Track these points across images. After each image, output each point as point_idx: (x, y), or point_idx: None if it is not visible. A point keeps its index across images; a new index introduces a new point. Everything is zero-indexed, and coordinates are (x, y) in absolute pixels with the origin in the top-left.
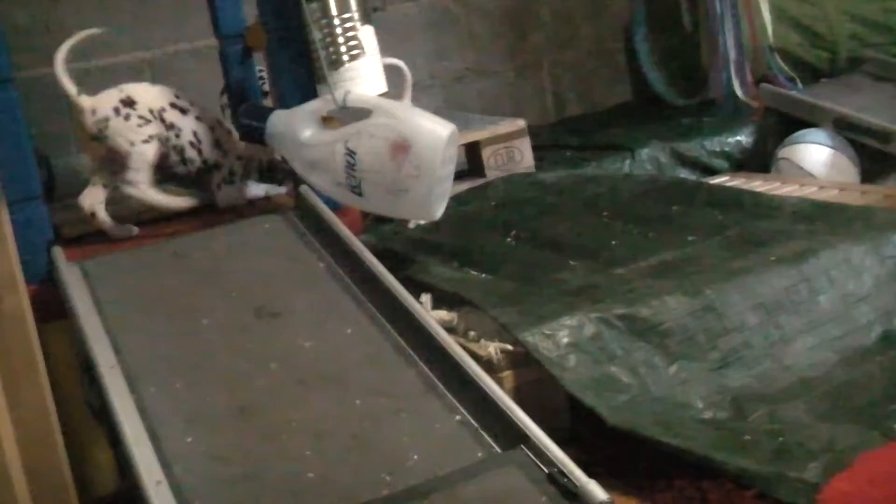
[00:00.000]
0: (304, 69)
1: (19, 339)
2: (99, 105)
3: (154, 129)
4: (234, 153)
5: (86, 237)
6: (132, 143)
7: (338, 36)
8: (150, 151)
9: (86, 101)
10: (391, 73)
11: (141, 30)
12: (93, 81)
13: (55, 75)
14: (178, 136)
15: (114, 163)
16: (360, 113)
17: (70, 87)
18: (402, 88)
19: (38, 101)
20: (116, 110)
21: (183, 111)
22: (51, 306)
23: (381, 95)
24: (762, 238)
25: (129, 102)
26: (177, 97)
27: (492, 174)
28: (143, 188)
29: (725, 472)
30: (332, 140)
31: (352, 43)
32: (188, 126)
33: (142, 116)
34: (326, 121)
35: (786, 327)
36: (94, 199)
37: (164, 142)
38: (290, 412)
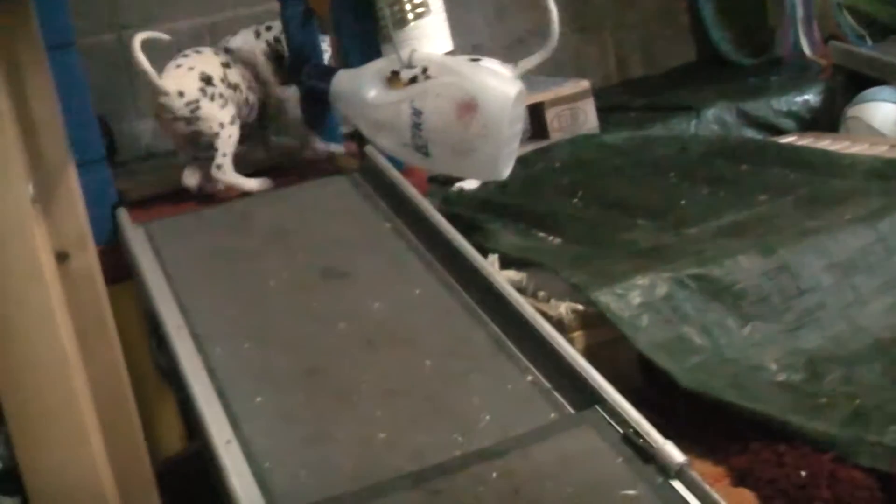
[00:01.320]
0: (369, 28)
1: (90, 297)
2: (185, 87)
3: (232, 104)
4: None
5: (150, 200)
6: (222, 125)
7: None
8: (236, 132)
9: (170, 84)
10: None
11: None
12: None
13: (134, 60)
14: (240, 91)
15: (198, 141)
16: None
17: (150, 70)
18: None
19: (98, 66)
20: (203, 91)
21: (229, 66)
22: (117, 268)
23: (447, 54)
24: (835, 197)
25: (207, 79)
26: (226, 52)
27: (556, 136)
28: (231, 173)
29: (802, 436)
30: (398, 100)
31: (417, 1)
32: (241, 76)
33: (222, 95)
34: (392, 80)
35: (861, 288)
36: (195, 178)
37: (239, 106)
38: (360, 373)
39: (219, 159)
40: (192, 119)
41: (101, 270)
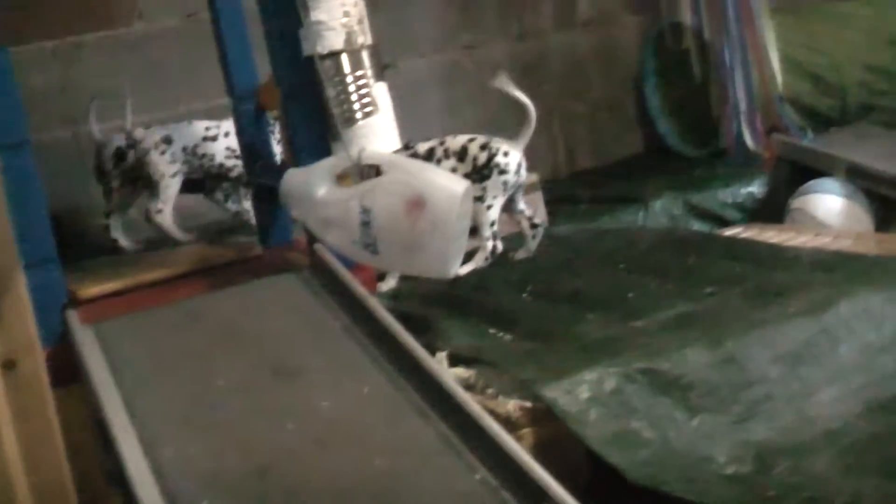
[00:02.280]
0: (318, 127)
1: (36, 402)
2: None
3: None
4: None
5: (100, 298)
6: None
7: (351, 93)
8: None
9: None
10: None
11: (154, 91)
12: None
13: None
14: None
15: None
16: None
17: None
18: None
19: (51, 162)
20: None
21: None
22: (66, 370)
23: (395, 152)
24: (780, 289)
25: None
26: None
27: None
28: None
29: None
30: (347, 198)
31: (365, 100)
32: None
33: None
34: (341, 179)
35: (807, 379)
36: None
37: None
38: (309, 473)
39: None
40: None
41: (50, 373)
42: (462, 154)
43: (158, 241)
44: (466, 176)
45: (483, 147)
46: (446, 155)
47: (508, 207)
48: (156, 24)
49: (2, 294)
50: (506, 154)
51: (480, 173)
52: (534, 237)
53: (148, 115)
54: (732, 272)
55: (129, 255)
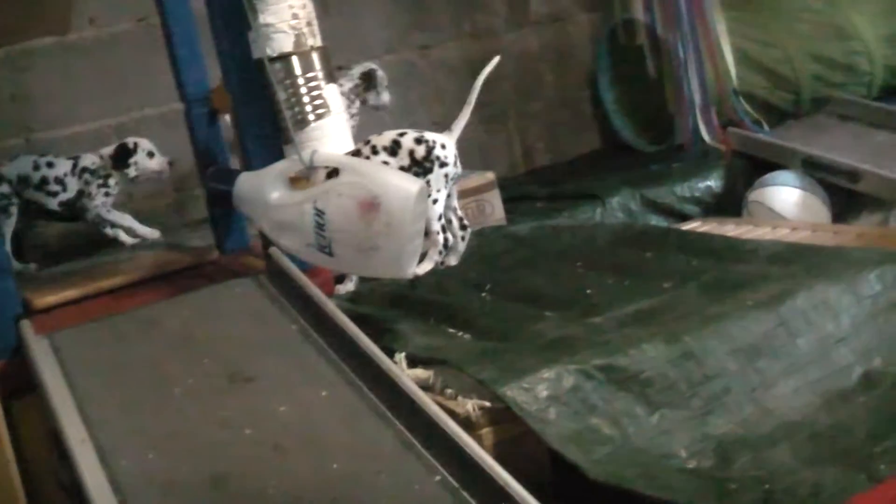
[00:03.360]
0: (270, 130)
1: None
2: None
3: None
4: None
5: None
6: None
7: (303, 95)
8: None
9: None
10: None
11: (106, 97)
12: (62, 150)
13: None
14: None
15: None
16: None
17: None
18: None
19: None
20: None
21: None
22: (20, 381)
23: (348, 154)
24: (737, 282)
25: None
26: None
27: None
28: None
29: None
30: (301, 201)
31: (317, 102)
32: None
33: None
34: (294, 181)
35: (766, 372)
36: None
37: None
38: (267, 478)
39: None
40: None
41: (4, 384)
42: (394, 148)
43: None
44: (403, 170)
45: (419, 140)
46: (374, 151)
47: (447, 202)
48: (107, 30)
49: None
50: (443, 146)
51: (422, 167)
52: (463, 239)
53: (97, 122)
54: (689, 266)
55: (84, 263)
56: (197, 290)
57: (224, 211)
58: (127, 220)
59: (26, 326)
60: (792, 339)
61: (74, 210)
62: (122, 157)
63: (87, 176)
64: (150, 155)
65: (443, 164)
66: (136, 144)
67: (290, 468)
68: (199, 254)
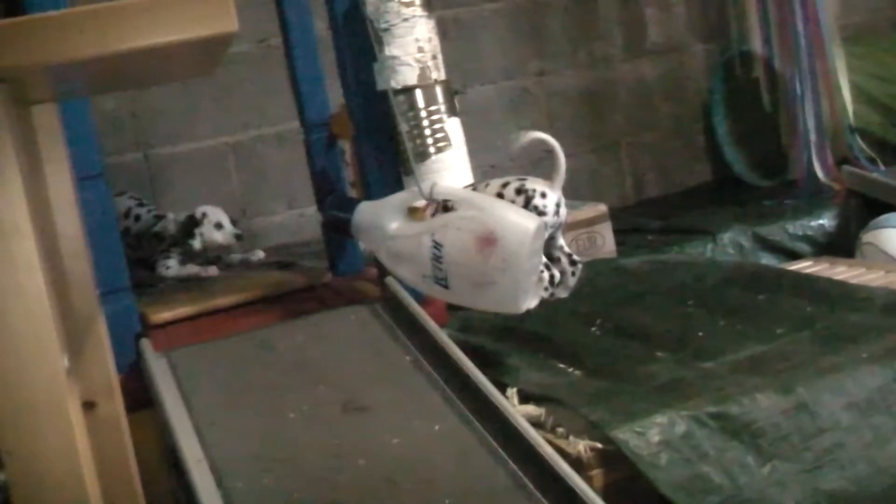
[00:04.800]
0: (391, 160)
1: (115, 446)
2: None
3: None
4: None
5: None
6: None
7: (425, 128)
8: None
9: None
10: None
11: (224, 114)
12: (179, 166)
13: None
14: None
15: None
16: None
17: None
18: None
19: (121, 185)
20: None
21: None
22: (137, 395)
23: (467, 187)
24: (852, 333)
25: None
26: None
27: None
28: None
29: None
30: (419, 232)
31: (438, 135)
32: None
33: None
34: (413, 213)
35: (880, 428)
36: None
37: None
38: None
39: None
40: None
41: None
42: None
43: None
44: None
45: (519, 191)
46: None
47: (548, 245)
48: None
49: (83, 341)
50: (543, 195)
51: None
52: (573, 274)
53: (215, 139)
54: (803, 312)
55: (199, 280)
56: (311, 314)
57: (340, 238)
58: (189, 269)
59: (146, 344)
60: None
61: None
62: (189, 227)
63: (154, 241)
64: (219, 227)
65: (541, 214)
66: (203, 215)
67: (402, 501)
68: (313, 276)
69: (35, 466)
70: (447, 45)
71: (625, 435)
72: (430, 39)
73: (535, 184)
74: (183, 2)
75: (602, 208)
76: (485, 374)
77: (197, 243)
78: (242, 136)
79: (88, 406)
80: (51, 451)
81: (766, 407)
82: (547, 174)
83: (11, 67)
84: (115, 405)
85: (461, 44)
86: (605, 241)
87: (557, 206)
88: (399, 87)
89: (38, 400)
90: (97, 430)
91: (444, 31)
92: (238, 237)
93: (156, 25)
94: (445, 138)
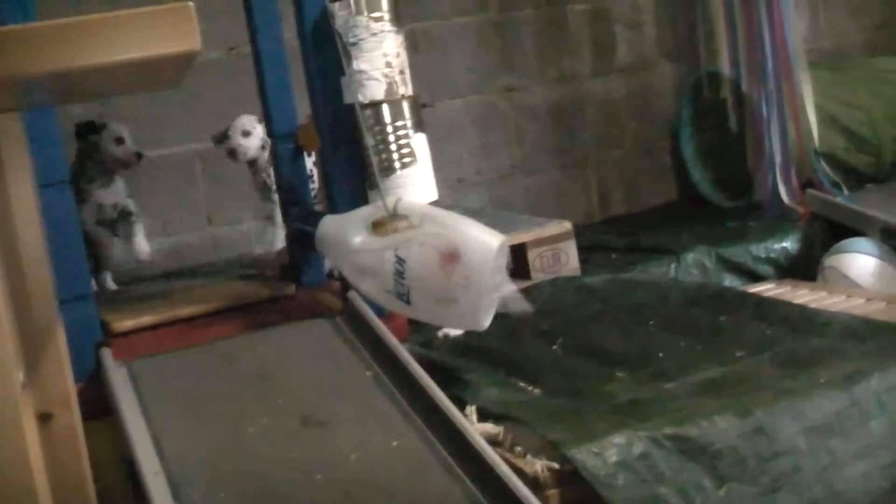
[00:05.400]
0: (356, 174)
1: (70, 457)
2: None
3: None
4: None
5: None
6: None
7: (391, 143)
8: None
9: None
10: None
11: (192, 122)
12: (144, 172)
13: None
14: None
15: None
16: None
17: None
18: None
19: None
20: None
21: None
22: (95, 404)
23: (431, 203)
24: (811, 357)
25: None
26: None
27: (537, 276)
28: None
29: None
30: (382, 247)
31: (404, 150)
32: None
33: None
34: (376, 227)
35: (837, 452)
36: None
37: None
38: None
39: None
40: None
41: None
42: None
43: None
44: None
45: None
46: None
47: None
48: (198, 58)
49: (40, 344)
50: None
51: None
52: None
53: (183, 146)
54: (763, 335)
55: (161, 286)
56: (274, 326)
57: (304, 250)
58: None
59: (107, 354)
60: (864, 420)
61: None
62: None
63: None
64: (119, 141)
65: None
66: (104, 126)
67: None
68: (276, 287)
69: None
70: (417, 58)
71: (582, 455)
72: (398, 55)
73: None
74: (148, 19)
75: (567, 226)
76: (444, 390)
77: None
78: (210, 143)
79: (45, 418)
80: (3, 466)
81: (723, 429)
82: (514, 190)
83: None
84: (72, 416)
85: (431, 57)
86: (570, 259)
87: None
88: (366, 101)
89: None
90: (53, 441)
91: (414, 44)
92: (139, 156)
93: (121, 42)
94: (411, 154)
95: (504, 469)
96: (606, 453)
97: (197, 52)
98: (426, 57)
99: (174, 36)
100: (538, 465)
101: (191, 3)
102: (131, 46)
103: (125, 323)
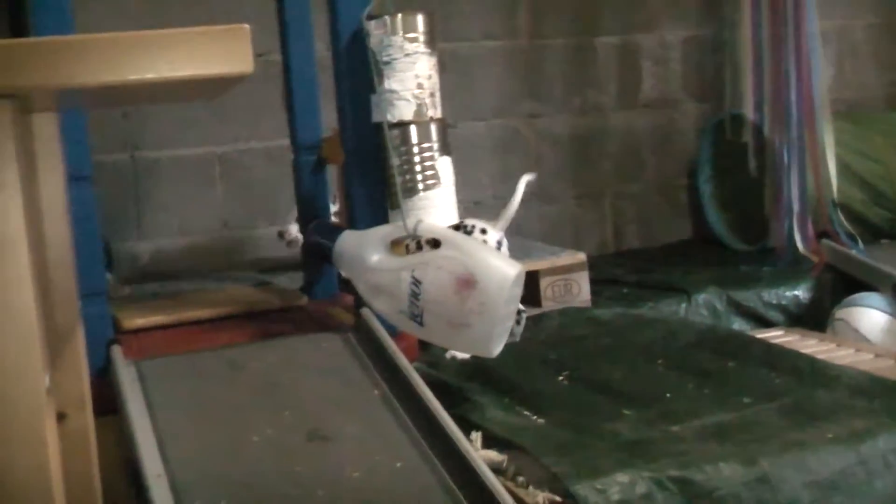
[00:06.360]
0: (378, 192)
1: (81, 457)
2: None
3: None
4: None
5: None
6: None
7: (415, 164)
8: None
9: None
10: None
11: (215, 124)
12: (165, 170)
13: None
14: None
15: None
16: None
17: None
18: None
19: (104, 184)
20: None
21: None
22: (101, 401)
23: (452, 227)
24: (819, 410)
25: None
26: None
27: (548, 305)
28: None
29: None
30: (399, 267)
31: (429, 172)
32: None
33: None
34: (395, 247)
35: None
36: None
37: None
38: None
39: None
40: None
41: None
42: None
43: None
44: None
45: (456, 227)
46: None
47: None
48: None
49: (62, 346)
50: (483, 231)
51: None
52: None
53: (203, 147)
54: (772, 384)
55: (174, 287)
56: (284, 336)
57: (319, 263)
58: None
59: (117, 352)
60: (870, 480)
61: None
62: None
63: None
64: None
65: None
66: None
67: None
68: (288, 297)
69: (4, 483)
70: (442, 78)
71: (585, 490)
72: (430, 77)
73: (474, 221)
74: (204, 39)
75: (581, 257)
76: (450, 413)
77: None
78: (231, 147)
79: (59, 417)
80: (23, 469)
81: (728, 476)
82: (530, 216)
83: (23, 87)
84: (85, 417)
85: (456, 77)
86: (581, 290)
87: (499, 243)
88: (394, 121)
89: (15, 418)
90: (65, 441)
91: (440, 63)
92: None
93: (172, 60)
94: (435, 176)
95: (507, 499)
96: (610, 491)
97: (248, 74)
98: (452, 75)
99: (228, 56)
100: (540, 497)
101: (247, 26)
102: (185, 65)
103: (136, 321)
